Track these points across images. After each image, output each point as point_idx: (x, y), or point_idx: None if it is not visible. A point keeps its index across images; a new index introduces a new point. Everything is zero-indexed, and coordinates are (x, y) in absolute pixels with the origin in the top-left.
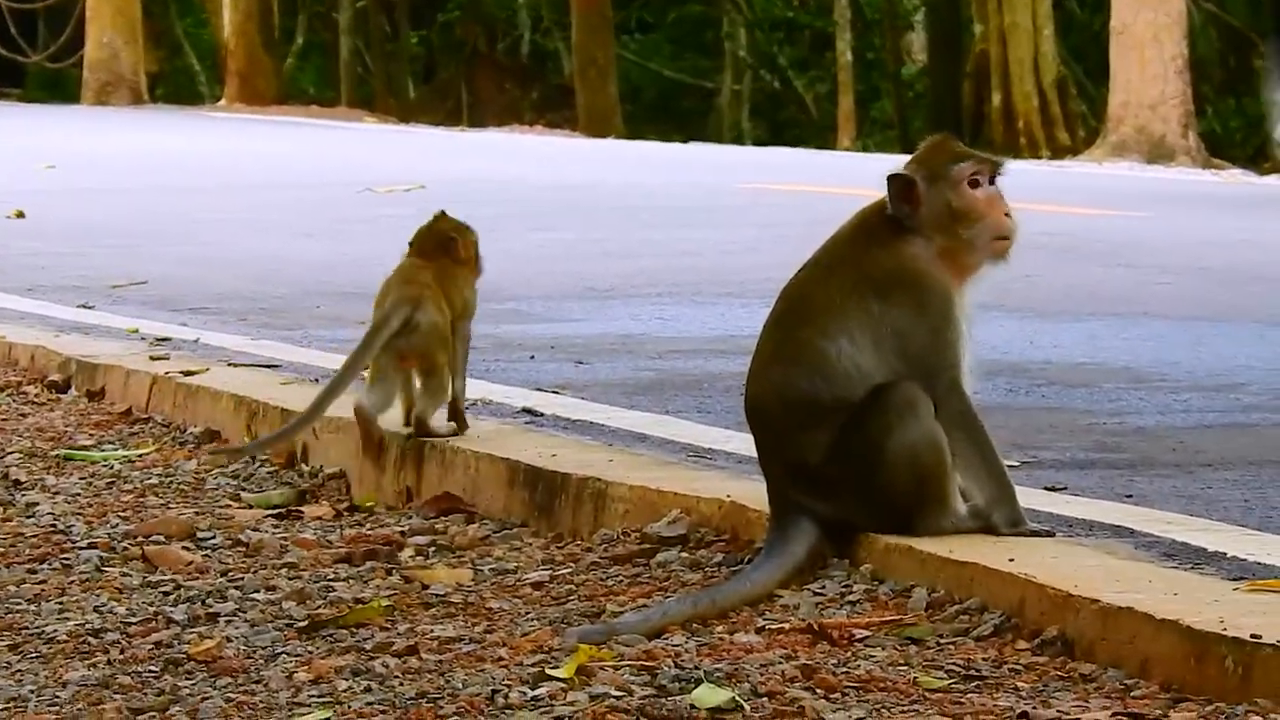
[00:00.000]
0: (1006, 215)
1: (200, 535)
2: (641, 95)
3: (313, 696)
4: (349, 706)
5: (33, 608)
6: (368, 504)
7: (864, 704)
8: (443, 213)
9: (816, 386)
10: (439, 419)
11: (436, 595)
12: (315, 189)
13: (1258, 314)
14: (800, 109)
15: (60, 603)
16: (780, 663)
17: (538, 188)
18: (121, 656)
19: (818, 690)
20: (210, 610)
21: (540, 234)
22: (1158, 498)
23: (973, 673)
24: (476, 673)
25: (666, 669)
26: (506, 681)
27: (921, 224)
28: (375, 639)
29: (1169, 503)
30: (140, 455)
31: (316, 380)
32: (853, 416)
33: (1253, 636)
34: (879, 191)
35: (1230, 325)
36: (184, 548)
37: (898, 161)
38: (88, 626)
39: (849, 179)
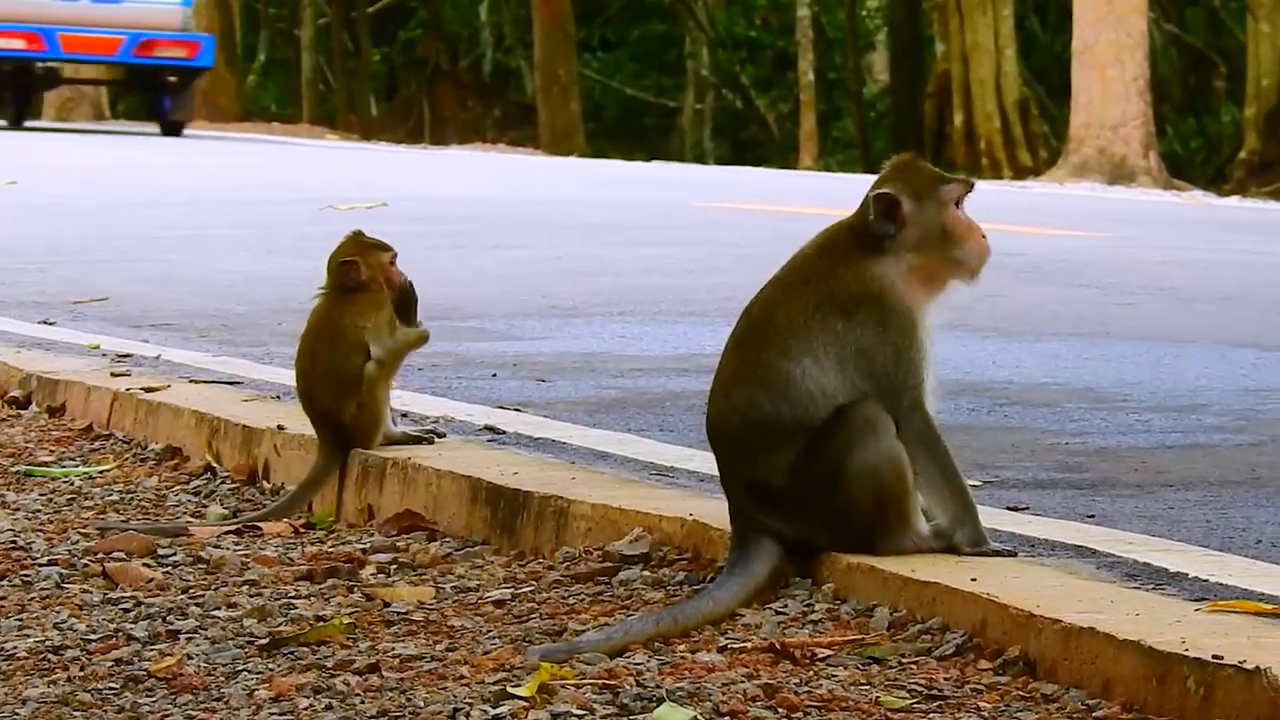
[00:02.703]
0: (983, 236)
1: (161, 552)
2: (604, 113)
3: (273, 714)
4: None
5: None
6: (329, 521)
7: None
8: (351, 234)
9: (779, 408)
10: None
11: (398, 613)
12: (277, 206)
13: (1219, 335)
14: (762, 128)
15: (20, 619)
16: (742, 682)
17: (500, 205)
18: (81, 673)
19: (780, 709)
20: (171, 627)
21: (502, 252)
22: (1120, 518)
23: (934, 692)
24: (438, 691)
25: (628, 688)
26: (468, 700)
27: (903, 242)
28: (336, 657)
29: (1131, 523)
30: (101, 472)
31: (279, 397)
32: (814, 437)
33: (1214, 657)
34: (842, 211)
35: (1192, 346)
36: (144, 564)
37: (860, 181)
38: (48, 643)
39: (811, 198)
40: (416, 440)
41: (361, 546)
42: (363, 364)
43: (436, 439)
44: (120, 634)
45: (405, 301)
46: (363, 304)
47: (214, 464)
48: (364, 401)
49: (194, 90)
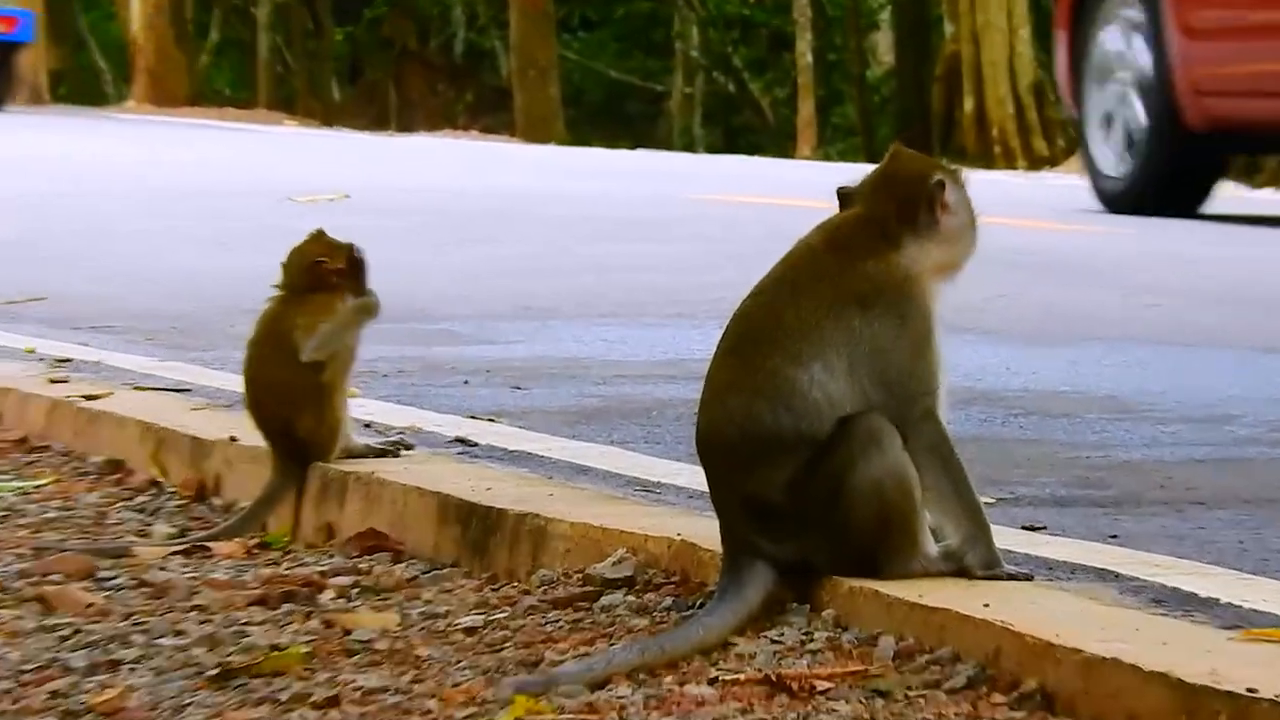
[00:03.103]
0: None
1: (102, 574)
2: (585, 98)
3: None
4: None
5: None
6: (285, 541)
7: None
8: (315, 232)
9: (780, 419)
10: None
11: (360, 641)
12: (231, 198)
13: (1250, 339)
14: (756, 114)
15: None
16: (735, 717)
17: (472, 197)
18: (14, 707)
19: None
20: (112, 657)
21: (475, 248)
22: (1145, 538)
23: None
24: None
25: None
26: None
27: (937, 233)
28: (293, 689)
29: (1157, 544)
30: (37, 487)
31: (231, 406)
32: (815, 451)
33: (1249, 690)
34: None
35: (1221, 351)
36: (84, 588)
37: (855, 171)
38: None
39: (811, 190)
40: (381, 453)
41: (320, 569)
42: (318, 372)
43: (404, 451)
44: (57, 664)
45: (355, 270)
46: (316, 306)
47: (160, 478)
48: (321, 413)
49: (14, 66)
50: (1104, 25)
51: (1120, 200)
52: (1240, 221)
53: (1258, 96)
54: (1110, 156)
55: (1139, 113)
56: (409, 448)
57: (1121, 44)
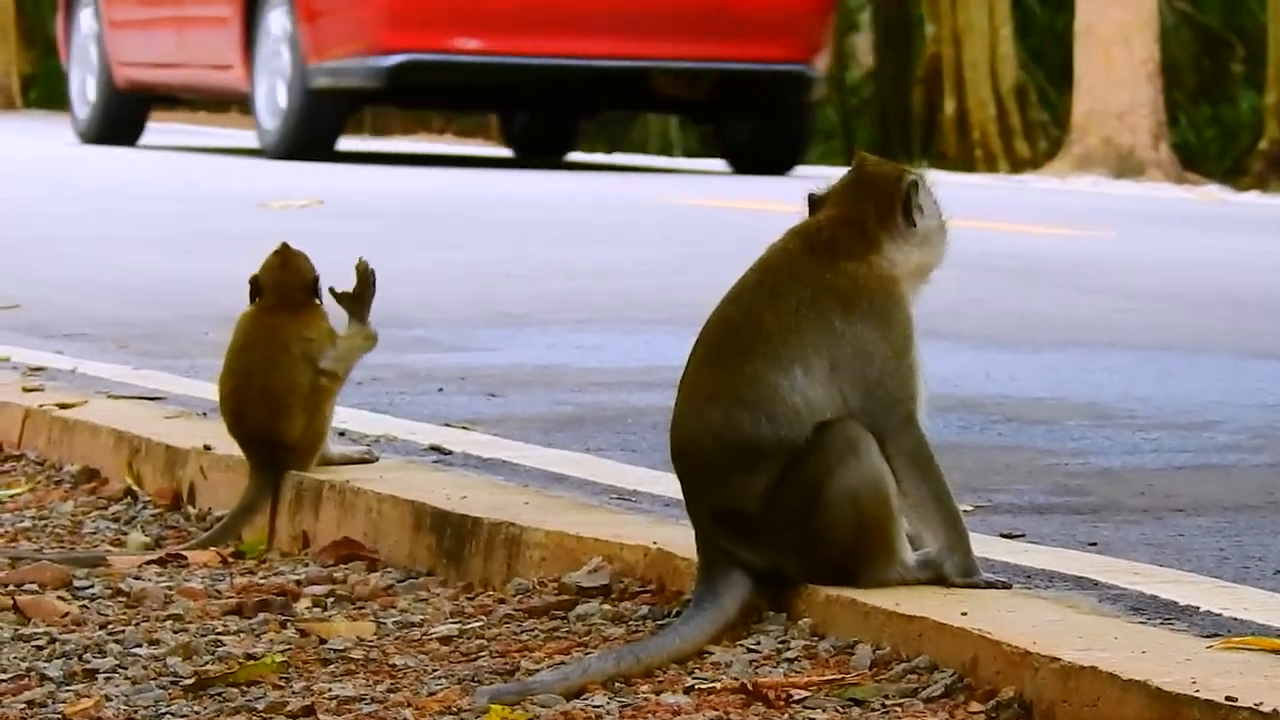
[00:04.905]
0: None
1: (77, 583)
2: None
3: None
4: None
5: None
6: (260, 550)
7: None
8: (283, 245)
9: (760, 427)
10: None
11: (335, 650)
12: (203, 203)
13: (1234, 345)
14: None
15: None
16: None
17: (446, 201)
18: None
19: None
20: (88, 666)
21: (449, 252)
22: (1124, 546)
23: None
24: None
25: None
26: None
27: (922, 233)
28: (268, 698)
29: (1137, 552)
30: (12, 496)
31: (205, 414)
32: (792, 459)
33: (1228, 699)
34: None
35: (1204, 357)
36: (59, 597)
37: (830, 175)
38: None
39: (787, 194)
40: (361, 461)
41: (295, 577)
42: (307, 380)
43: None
44: (33, 674)
45: (365, 290)
46: (308, 316)
47: (135, 487)
48: (311, 419)
49: None
50: (82, 8)
51: (89, 136)
52: (1223, 225)
53: (150, 67)
54: (83, 106)
55: (97, 71)
56: (375, 460)
57: (91, 24)
